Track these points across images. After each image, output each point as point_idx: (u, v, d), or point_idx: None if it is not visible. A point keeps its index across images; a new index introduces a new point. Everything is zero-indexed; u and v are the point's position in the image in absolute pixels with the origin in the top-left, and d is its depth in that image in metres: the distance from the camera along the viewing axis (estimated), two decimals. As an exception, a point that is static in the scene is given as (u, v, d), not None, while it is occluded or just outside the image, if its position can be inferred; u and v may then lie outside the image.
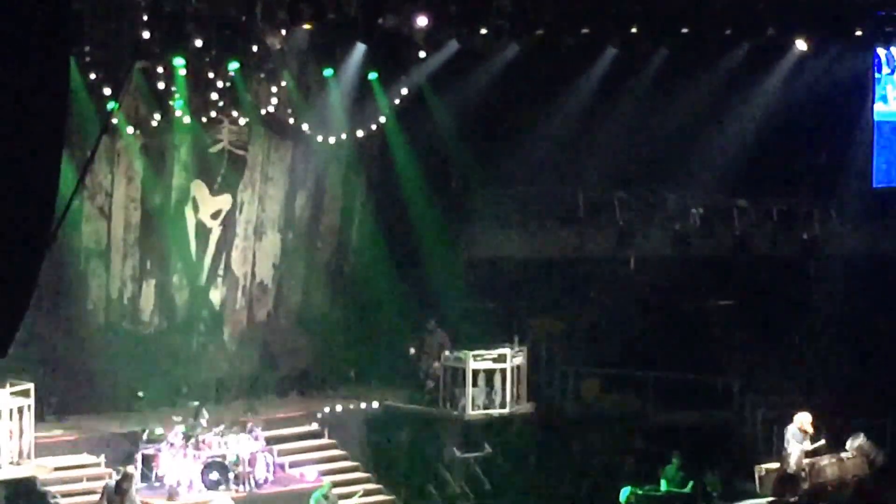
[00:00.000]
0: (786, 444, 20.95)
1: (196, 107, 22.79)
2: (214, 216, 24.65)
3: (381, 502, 22.52)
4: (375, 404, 24.54)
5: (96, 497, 20.53)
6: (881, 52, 26.47)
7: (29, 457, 19.95)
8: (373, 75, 24.36)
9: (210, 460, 21.38)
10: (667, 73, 25.42)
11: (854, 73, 26.31)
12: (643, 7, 23.69)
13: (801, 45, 24.42)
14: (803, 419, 21.01)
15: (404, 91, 24.77)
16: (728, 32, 24.21)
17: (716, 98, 25.72)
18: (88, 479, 21.15)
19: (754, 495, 21.16)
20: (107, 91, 21.04)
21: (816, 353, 25.89)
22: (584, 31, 23.62)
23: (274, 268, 25.64)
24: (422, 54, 23.89)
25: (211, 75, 22.25)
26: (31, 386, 20.00)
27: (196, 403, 22.43)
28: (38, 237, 5.38)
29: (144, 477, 21.05)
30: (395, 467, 23.82)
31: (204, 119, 23.23)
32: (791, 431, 20.95)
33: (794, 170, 26.66)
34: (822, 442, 21.02)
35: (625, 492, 22.51)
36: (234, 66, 22.26)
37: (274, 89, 23.50)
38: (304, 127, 24.39)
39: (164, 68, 21.76)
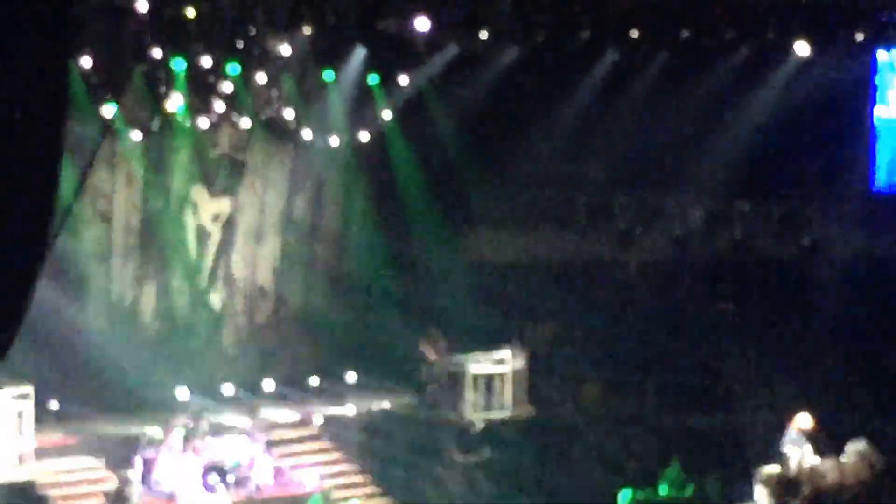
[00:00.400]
0: (785, 448, 20.93)
1: (196, 110, 22.79)
2: (214, 220, 24.65)
3: (380, 506, 22.55)
4: (375, 408, 24.52)
5: (95, 500, 20.53)
6: (882, 56, 26.46)
7: (28, 460, 19.92)
8: (373, 79, 24.35)
9: (209, 464, 21.37)
10: (667, 77, 25.40)
11: (855, 76, 26.30)
12: (643, 10, 23.68)
13: (801, 48, 24.41)
14: (801, 420, 21.00)
15: (404, 94, 24.76)
16: (729, 35, 24.20)
17: (716, 101, 25.71)
18: (88, 483, 21.15)
19: (754, 499, 21.15)
20: (107, 94, 21.03)
21: (817, 357, 25.86)
22: (585, 34, 23.62)
23: (274, 271, 25.63)
24: (422, 58, 23.87)
25: (211, 79, 22.24)
26: (30, 389, 19.99)
27: (196, 407, 22.41)
28: (38, 240, 5.37)
29: (143, 480, 21.03)
30: (394, 471, 23.81)
31: (204, 123, 23.21)
32: (790, 435, 20.93)
33: (795, 173, 26.65)
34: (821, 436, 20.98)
35: (625, 495, 22.50)
36: (234, 69, 22.25)
37: (274, 93, 23.50)
38: (305, 130, 24.39)
39: (165, 72, 21.75)
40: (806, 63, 25.16)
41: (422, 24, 22.55)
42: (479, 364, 23.41)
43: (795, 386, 25.86)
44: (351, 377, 25.79)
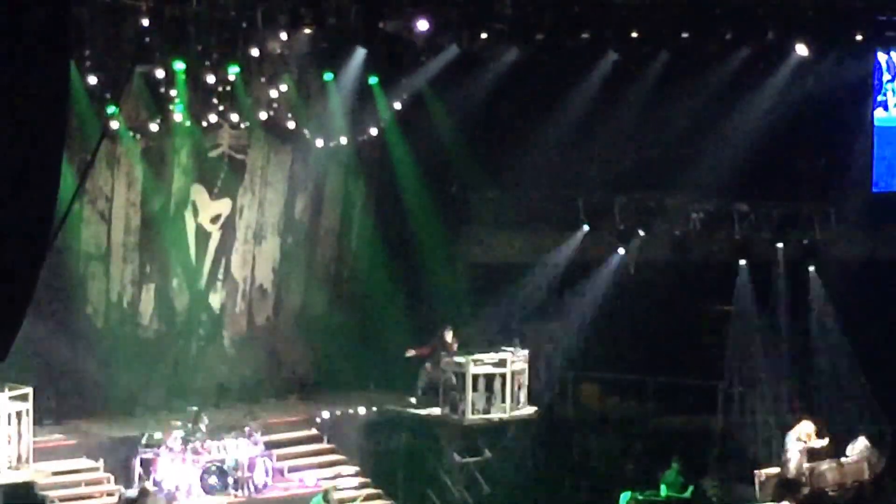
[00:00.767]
0: (786, 450, 20.93)
1: (196, 111, 22.79)
2: (214, 220, 24.64)
3: (380, 507, 22.54)
4: (375, 409, 24.51)
5: (94, 501, 20.52)
6: (882, 57, 26.45)
7: (27, 461, 19.91)
8: (373, 79, 24.35)
9: (209, 465, 21.35)
10: (667, 78, 25.39)
11: (854, 77, 26.29)
12: (644, 11, 23.67)
13: (801, 49, 24.40)
14: (805, 429, 20.97)
15: (404, 95, 24.76)
16: (728, 37, 24.19)
17: (716, 102, 25.69)
18: (87, 484, 21.13)
19: (754, 500, 21.15)
20: (107, 95, 21.03)
21: (816, 358, 25.85)
22: (585, 35, 23.61)
23: (273, 272, 25.62)
24: (422, 58, 23.87)
25: (211, 79, 22.24)
26: (29, 390, 19.96)
27: (195, 408, 22.42)
28: (37, 241, 5.36)
29: (143, 481, 21.01)
30: (394, 472, 23.80)
31: (204, 123, 23.21)
32: (791, 438, 20.93)
33: (795, 174, 26.63)
34: (826, 442, 20.94)
35: (625, 497, 22.50)
36: (234, 70, 22.25)
37: (274, 93, 23.49)
38: (304, 131, 24.39)
39: (165, 72, 21.75)
40: (806, 64, 25.16)
41: (421, 24, 22.54)
42: (479, 365, 23.38)
43: (795, 387, 25.88)
44: (351, 378, 25.78)
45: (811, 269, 26.21)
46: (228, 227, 24.81)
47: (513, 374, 23.62)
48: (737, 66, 25.26)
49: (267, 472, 21.84)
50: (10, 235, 5.23)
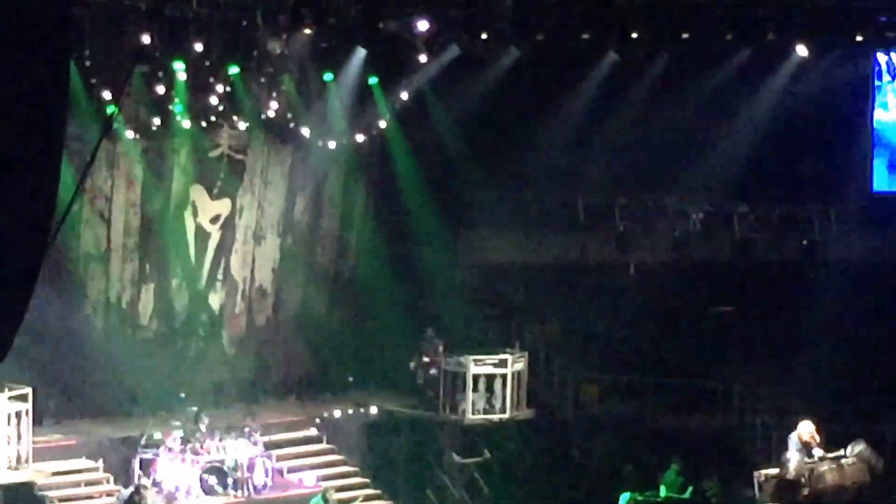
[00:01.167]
0: (786, 451, 20.91)
1: (196, 111, 22.78)
2: (214, 220, 24.63)
3: (379, 508, 22.54)
4: (374, 409, 24.51)
5: (94, 501, 20.52)
6: (882, 58, 26.44)
7: (27, 461, 19.91)
8: (373, 80, 24.34)
9: (208, 465, 21.36)
10: (667, 79, 25.39)
11: (854, 78, 26.30)
12: (644, 12, 23.65)
13: (801, 50, 24.39)
14: (805, 429, 20.93)
15: (404, 96, 24.76)
16: (729, 38, 24.18)
17: (716, 103, 25.69)
18: (86, 484, 21.13)
19: (754, 501, 21.13)
20: (107, 95, 21.03)
21: (816, 359, 25.85)
22: (585, 36, 23.60)
23: (273, 272, 25.62)
24: (422, 59, 23.86)
25: (211, 80, 22.23)
26: (29, 390, 19.96)
27: (195, 408, 22.42)
28: (37, 241, 5.35)
29: (144, 481, 21.00)
30: (394, 472, 23.80)
31: (204, 123, 23.22)
32: (793, 440, 20.88)
33: (795, 175, 26.64)
34: (820, 453, 20.93)
35: (624, 497, 22.48)
36: (234, 70, 22.24)
37: (274, 94, 23.49)
38: (304, 131, 24.38)
39: (165, 72, 21.73)
40: (805, 65, 25.15)
41: (422, 24, 22.52)
42: (479, 365, 23.38)
43: (795, 388, 25.87)
44: (350, 378, 25.78)
45: (811, 269, 26.20)
46: (228, 227, 24.80)
47: (513, 374, 23.62)
48: (737, 66, 25.27)
49: (266, 473, 21.84)
50: (9, 235, 5.22)
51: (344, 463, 23.44)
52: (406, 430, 24.24)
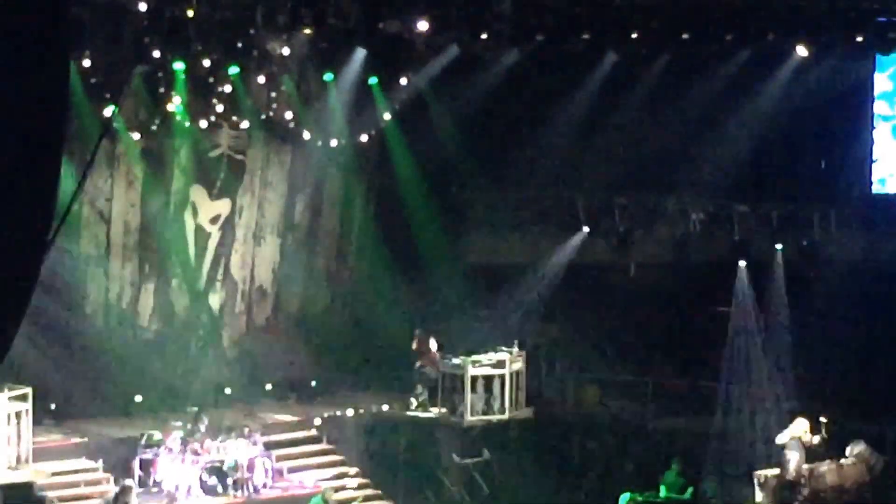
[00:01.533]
0: (784, 451, 20.91)
1: (196, 111, 22.79)
2: (214, 220, 24.63)
3: (379, 508, 22.53)
4: (374, 409, 24.51)
5: (94, 501, 20.51)
6: (882, 59, 26.43)
7: (27, 461, 19.90)
8: (373, 80, 24.34)
9: (208, 465, 21.35)
10: (667, 79, 25.39)
11: (854, 78, 26.28)
12: (644, 13, 23.66)
13: (801, 50, 24.40)
14: (800, 426, 20.95)
15: (404, 96, 24.76)
16: (729, 38, 24.18)
17: (716, 104, 25.69)
18: (86, 484, 21.13)
19: (754, 502, 21.13)
20: (107, 95, 21.02)
21: (816, 358, 25.85)
22: (585, 36, 23.60)
23: (273, 272, 25.62)
24: (422, 59, 23.86)
25: (211, 80, 22.23)
26: (28, 390, 19.95)
27: (195, 408, 22.41)
28: (36, 241, 5.35)
29: (142, 482, 21.01)
30: (393, 473, 23.79)
31: (204, 123, 23.22)
32: (785, 438, 20.88)
33: (795, 175, 26.63)
34: (819, 438, 20.90)
35: (624, 498, 22.48)
36: (234, 70, 22.24)
37: (274, 94, 23.49)
38: (304, 131, 24.39)
39: (165, 72, 21.74)
40: (805, 65, 25.15)
41: (422, 25, 22.53)
42: (479, 366, 23.39)
43: (795, 388, 25.86)
44: (350, 378, 25.78)
45: (811, 269, 26.20)
46: (228, 227, 24.80)
47: (511, 374, 23.62)
48: (737, 67, 25.26)
49: (266, 473, 21.84)
50: (9, 235, 5.22)
51: (343, 463, 23.43)
52: (405, 431, 24.23)
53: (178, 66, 21.60)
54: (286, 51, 22.66)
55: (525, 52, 24.25)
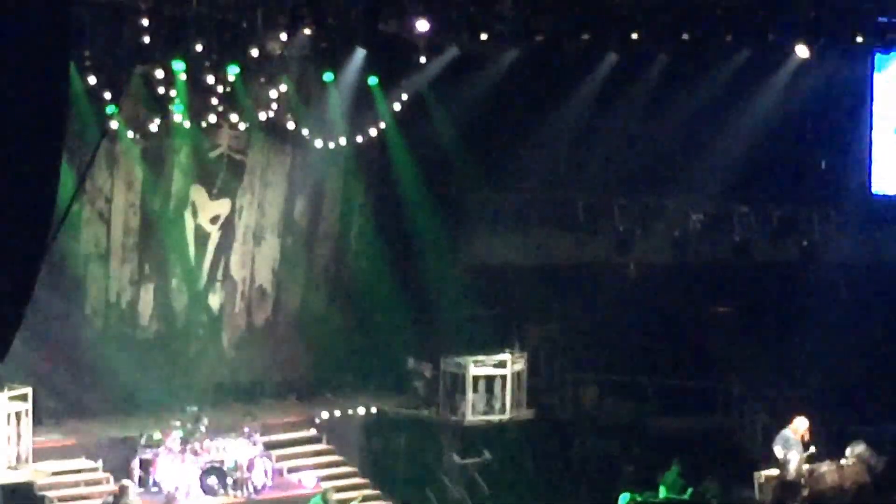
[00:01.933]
0: (784, 451, 20.89)
1: (196, 111, 22.78)
2: (213, 221, 24.63)
3: (379, 508, 22.54)
4: (374, 410, 24.51)
5: (94, 501, 20.51)
6: (882, 58, 26.41)
7: (26, 461, 19.91)
8: (373, 80, 24.35)
9: (208, 465, 21.35)
10: (667, 79, 25.38)
11: (854, 78, 26.27)
12: (644, 13, 23.65)
13: (801, 51, 24.38)
14: (798, 424, 20.94)
15: (404, 96, 24.76)
16: (728, 38, 24.16)
17: (716, 104, 25.68)
18: (86, 484, 21.13)
19: (754, 502, 21.13)
20: (107, 95, 21.03)
21: (816, 360, 25.85)
22: (585, 36, 23.59)
23: (273, 273, 25.61)
24: (422, 59, 23.86)
25: (211, 80, 22.22)
26: (28, 390, 19.96)
27: (194, 408, 22.41)
28: (36, 241, 5.36)
29: (142, 482, 21.01)
30: (393, 473, 23.79)
31: (203, 124, 23.21)
32: (783, 437, 20.85)
33: (795, 176, 26.61)
34: (812, 450, 20.91)
35: (624, 498, 22.45)
36: (234, 70, 22.24)
37: (274, 94, 23.49)
38: (304, 132, 24.38)
39: (164, 73, 21.73)
40: (805, 66, 25.14)
41: (422, 25, 22.52)
42: (479, 366, 23.38)
43: (795, 389, 25.86)
44: (350, 378, 25.77)
45: (811, 270, 26.20)
46: (228, 227, 24.80)
47: (512, 375, 23.62)
48: (737, 67, 25.24)
49: (266, 473, 21.84)
50: (9, 235, 5.23)
51: (343, 463, 23.44)
52: (406, 431, 24.23)
53: (179, 66, 21.59)
54: (286, 51, 22.65)
55: (525, 53, 24.24)
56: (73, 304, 23.02)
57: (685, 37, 23.95)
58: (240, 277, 25.18)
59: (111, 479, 21.24)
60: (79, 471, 21.34)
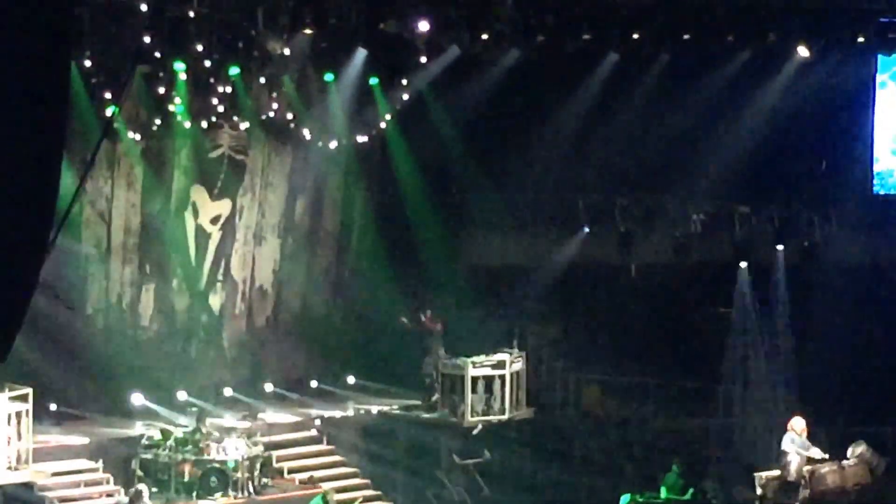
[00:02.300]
0: (785, 451, 20.90)
1: (196, 111, 22.76)
2: (214, 221, 24.62)
3: (379, 508, 22.53)
4: (374, 410, 24.50)
5: (94, 502, 20.50)
6: (883, 58, 26.40)
7: (27, 462, 19.89)
8: (373, 80, 24.32)
9: (209, 466, 21.33)
10: (668, 79, 25.38)
11: (855, 79, 26.27)
12: (645, 13, 23.65)
13: (802, 51, 24.38)
14: (795, 423, 20.96)
15: (405, 96, 24.74)
16: (730, 38, 24.16)
17: (717, 104, 25.68)
18: (86, 485, 21.12)
19: (754, 503, 21.13)
20: (107, 95, 21.01)
21: (817, 359, 25.84)
22: (586, 36, 23.57)
23: (273, 273, 25.61)
24: (423, 59, 23.85)
25: (211, 80, 22.21)
26: (29, 390, 19.94)
27: (195, 409, 22.40)
28: (37, 242, 5.35)
29: (142, 482, 20.99)
30: (394, 473, 23.78)
31: (204, 124, 23.20)
32: (790, 437, 20.86)
33: (796, 176, 26.61)
34: (819, 454, 20.92)
35: (624, 499, 22.47)
36: (234, 70, 22.22)
37: (274, 94, 23.48)
38: (305, 132, 24.37)
39: (165, 73, 21.72)
40: (807, 66, 25.13)
41: (422, 25, 22.51)
42: (479, 366, 23.38)
43: (796, 389, 25.85)
44: (350, 379, 25.77)
45: (811, 270, 26.19)
46: (228, 227, 24.79)
47: (511, 375, 23.61)
48: (738, 67, 25.25)
49: (266, 473, 21.82)
50: (10, 236, 5.21)
51: (344, 464, 23.43)
52: (406, 431, 24.22)
53: (179, 66, 21.57)
54: (287, 51, 22.63)
55: (526, 53, 24.23)
56: (74, 304, 22.99)
57: (686, 37, 23.96)
58: (240, 278, 25.17)
59: (111, 479, 21.23)
60: (79, 471, 21.32)
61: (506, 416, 23.63)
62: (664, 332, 26.35)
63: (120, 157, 23.17)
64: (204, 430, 21.61)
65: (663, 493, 22.81)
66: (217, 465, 21.35)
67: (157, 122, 22.56)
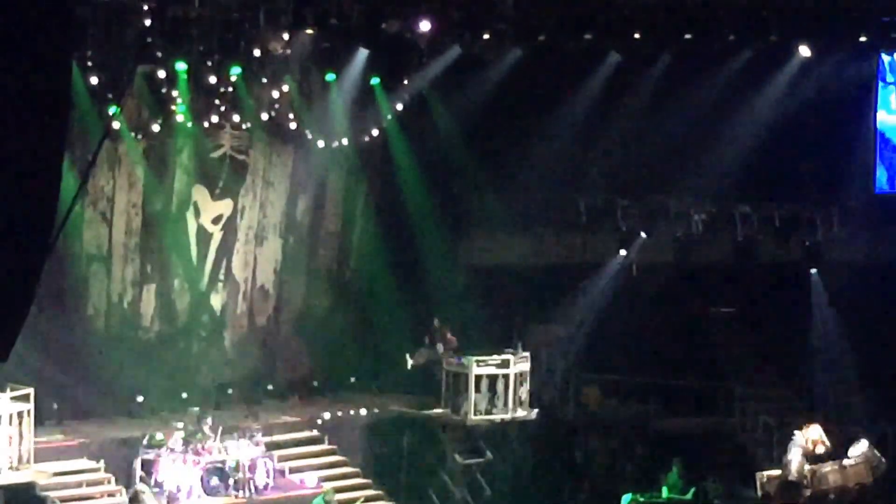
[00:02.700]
0: (787, 451, 20.90)
1: (198, 111, 22.77)
2: (215, 221, 24.62)
3: (381, 508, 22.53)
4: (376, 410, 24.50)
5: (95, 502, 20.50)
6: (885, 59, 26.40)
7: (28, 462, 19.91)
8: (375, 80, 24.33)
9: (210, 466, 21.35)
10: (670, 79, 25.38)
11: (857, 78, 26.26)
12: (646, 12, 23.64)
13: (804, 50, 24.38)
14: (813, 433, 20.88)
15: (406, 96, 24.75)
16: (731, 38, 24.15)
17: (719, 104, 25.67)
18: (88, 485, 21.11)
19: (756, 502, 21.13)
20: (109, 95, 21.01)
21: (818, 360, 25.84)
22: (587, 36, 23.58)
23: (275, 273, 25.61)
24: (424, 59, 23.85)
25: (213, 80, 22.22)
26: (30, 391, 19.95)
27: (196, 409, 22.41)
28: (38, 242, 5.35)
29: (144, 483, 21.00)
30: (395, 473, 23.79)
31: (206, 124, 23.20)
32: (797, 441, 20.84)
33: (797, 176, 26.60)
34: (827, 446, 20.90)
35: (626, 498, 22.49)
36: (236, 70, 22.23)
37: (276, 94, 23.48)
38: (306, 132, 24.37)
39: (167, 73, 21.73)
40: (809, 65, 25.13)
41: (424, 25, 22.51)
42: (482, 366, 23.38)
43: (796, 389, 25.85)
44: (352, 379, 25.77)
45: (813, 270, 26.19)
46: (230, 227, 24.79)
47: (515, 375, 23.61)
48: (739, 67, 25.24)
49: (268, 473, 21.84)
50: (11, 236, 5.21)
51: (345, 464, 23.43)
52: (408, 431, 24.22)
53: (181, 66, 21.59)
54: (288, 51, 22.63)
55: (527, 53, 24.23)
56: (75, 304, 23.00)
57: (687, 36, 23.95)
58: (242, 278, 25.17)
59: (113, 479, 21.23)
60: (81, 471, 21.31)
61: (508, 416, 23.62)
62: (665, 332, 26.33)
63: (121, 158, 23.17)
64: (205, 430, 21.62)
65: (665, 492, 22.82)
66: (218, 465, 21.36)
67: (159, 122, 22.57)
